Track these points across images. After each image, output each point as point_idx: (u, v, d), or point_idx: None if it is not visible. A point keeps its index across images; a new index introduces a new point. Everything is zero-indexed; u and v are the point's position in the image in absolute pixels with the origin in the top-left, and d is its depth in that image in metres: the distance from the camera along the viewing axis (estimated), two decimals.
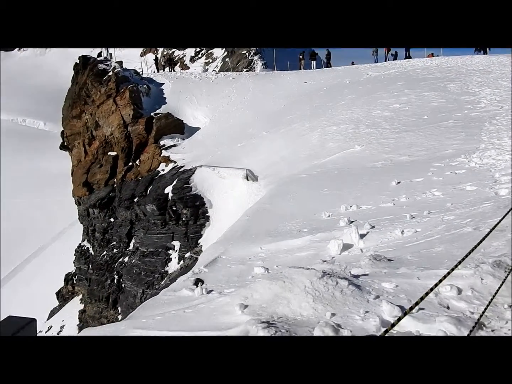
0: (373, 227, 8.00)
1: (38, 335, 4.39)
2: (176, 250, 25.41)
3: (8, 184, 79.71)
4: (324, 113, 23.10)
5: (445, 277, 3.10)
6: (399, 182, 11.00)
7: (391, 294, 3.73)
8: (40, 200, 74.81)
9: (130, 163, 33.13)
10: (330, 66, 41.68)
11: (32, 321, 4.23)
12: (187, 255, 23.83)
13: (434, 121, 16.41)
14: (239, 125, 29.62)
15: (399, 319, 2.56)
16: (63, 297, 41.72)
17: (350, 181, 12.60)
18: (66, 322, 36.46)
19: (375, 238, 7.44)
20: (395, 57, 41.27)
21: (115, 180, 34.06)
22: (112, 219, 34.28)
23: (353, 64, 40.22)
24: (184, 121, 33.34)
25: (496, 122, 14.47)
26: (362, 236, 7.53)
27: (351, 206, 10.05)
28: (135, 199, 29.91)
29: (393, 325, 2.42)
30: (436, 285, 2.90)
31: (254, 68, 59.64)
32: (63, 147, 40.09)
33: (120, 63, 37.22)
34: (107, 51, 40.45)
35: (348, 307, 3.46)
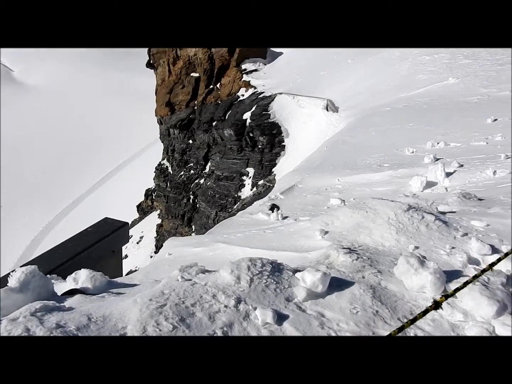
0: (461, 165, 7.52)
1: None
2: (250, 177, 25.91)
3: (93, 95, 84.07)
4: None
5: None
6: (495, 120, 10.11)
7: (481, 232, 3.53)
8: (124, 115, 78.80)
9: (211, 86, 33.38)
10: None
11: (126, 225, 4.59)
12: (260, 182, 24.25)
13: None
14: (323, 52, 28.30)
15: (500, 259, 2.43)
16: (143, 210, 44.98)
17: (440, 117, 11.77)
18: (145, 234, 39.54)
19: (463, 177, 7.02)
20: None
21: (195, 102, 34.67)
22: (190, 141, 35.41)
23: None
24: None
25: None
26: (448, 174, 7.12)
27: (438, 143, 9.47)
28: (214, 123, 30.44)
29: (493, 264, 2.30)
30: None
31: None
32: (149, 65, 41.09)
33: None
34: None
35: (433, 241, 3.34)
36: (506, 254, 2.37)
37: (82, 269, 2.71)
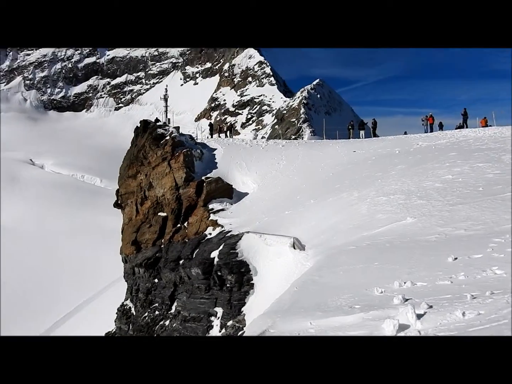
0: (430, 307, 7.55)
1: None
2: (219, 317, 24.95)
3: (60, 234, 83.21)
4: (373, 183, 22.96)
5: None
6: (456, 258, 10.47)
7: None
8: (88, 253, 77.35)
9: (179, 225, 33.85)
10: (376, 136, 42.40)
11: None
12: (229, 323, 23.33)
13: (491, 193, 15.84)
14: (287, 192, 29.88)
15: None
16: None
17: (403, 255, 12.14)
18: None
19: (434, 319, 6.99)
20: (441, 127, 42.05)
21: (162, 240, 34.74)
22: (156, 280, 34.57)
23: (406, 134, 40.76)
24: (233, 186, 34.14)
25: None
26: (419, 316, 7.10)
27: (405, 283, 9.61)
28: (181, 261, 30.17)
29: None
30: None
31: (302, 135, 61.36)
32: (116, 205, 41.76)
33: (177, 128, 39.45)
34: (166, 117, 43.14)
35: None
36: None
37: None
